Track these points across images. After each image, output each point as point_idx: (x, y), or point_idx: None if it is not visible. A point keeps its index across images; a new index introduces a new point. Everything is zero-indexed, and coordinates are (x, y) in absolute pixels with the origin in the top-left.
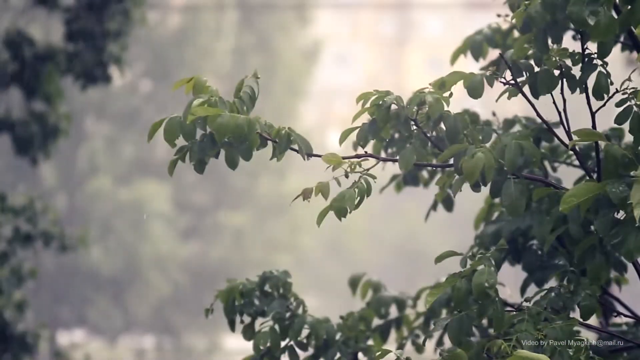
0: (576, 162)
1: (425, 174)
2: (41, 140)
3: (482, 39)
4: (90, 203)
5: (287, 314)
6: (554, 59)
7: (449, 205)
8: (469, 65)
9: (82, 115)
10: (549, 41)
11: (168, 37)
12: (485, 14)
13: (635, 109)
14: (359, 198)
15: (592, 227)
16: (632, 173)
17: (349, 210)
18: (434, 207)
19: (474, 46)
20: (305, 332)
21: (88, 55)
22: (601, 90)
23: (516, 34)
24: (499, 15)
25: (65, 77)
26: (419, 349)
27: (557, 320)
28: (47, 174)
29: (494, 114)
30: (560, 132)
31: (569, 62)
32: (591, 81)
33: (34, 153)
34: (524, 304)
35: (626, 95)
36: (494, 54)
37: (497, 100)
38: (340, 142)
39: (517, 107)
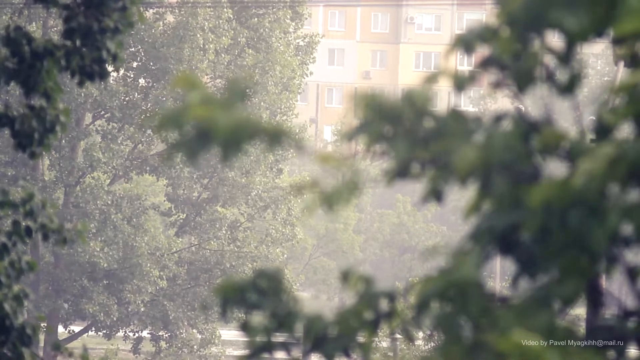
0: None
1: (416, 168)
2: (40, 135)
3: (472, 35)
4: (86, 198)
5: (281, 310)
6: (538, 57)
7: (439, 197)
8: (460, 61)
9: (81, 111)
10: (531, 37)
11: (163, 35)
12: (475, 11)
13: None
14: (351, 194)
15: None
16: None
17: (343, 205)
18: (425, 200)
19: (465, 43)
20: (298, 327)
21: (86, 52)
22: (573, 85)
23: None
24: (486, 13)
25: (63, 73)
26: (410, 341)
27: (544, 313)
28: (46, 169)
29: (481, 112)
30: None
31: (552, 59)
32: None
33: (33, 147)
34: (514, 298)
35: (611, 92)
36: (483, 51)
37: (484, 98)
38: (340, 143)
39: (509, 104)
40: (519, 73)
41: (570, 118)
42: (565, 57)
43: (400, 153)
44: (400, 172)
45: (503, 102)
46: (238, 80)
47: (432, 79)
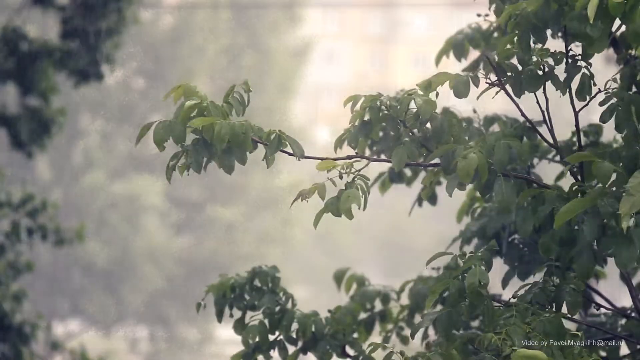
0: (556, 158)
1: (408, 171)
2: (37, 135)
3: (464, 38)
4: (85, 197)
5: (277, 309)
6: (537, 59)
7: (433, 200)
8: (453, 63)
9: (77, 112)
10: (532, 41)
11: (162, 36)
12: (469, 13)
13: (618, 107)
14: (363, 197)
15: (581, 228)
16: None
17: (358, 208)
18: (419, 203)
19: (456, 46)
20: (294, 326)
21: (82, 53)
22: (584, 92)
23: (497, 33)
24: (479, 15)
25: (59, 73)
26: (404, 340)
27: (544, 315)
28: (43, 169)
29: (474, 111)
30: (542, 129)
31: (551, 61)
32: (574, 80)
33: (29, 147)
34: (512, 299)
35: (609, 94)
36: (475, 52)
37: (477, 98)
38: (335, 147)
39: (496, 104)
40: (521, 73)
41: (570, 118)
42: (568, 58)
43: (399, 155)
44: (396, 177)
45: (503, 102)
46: (237, 88)
47: (430, 84)
